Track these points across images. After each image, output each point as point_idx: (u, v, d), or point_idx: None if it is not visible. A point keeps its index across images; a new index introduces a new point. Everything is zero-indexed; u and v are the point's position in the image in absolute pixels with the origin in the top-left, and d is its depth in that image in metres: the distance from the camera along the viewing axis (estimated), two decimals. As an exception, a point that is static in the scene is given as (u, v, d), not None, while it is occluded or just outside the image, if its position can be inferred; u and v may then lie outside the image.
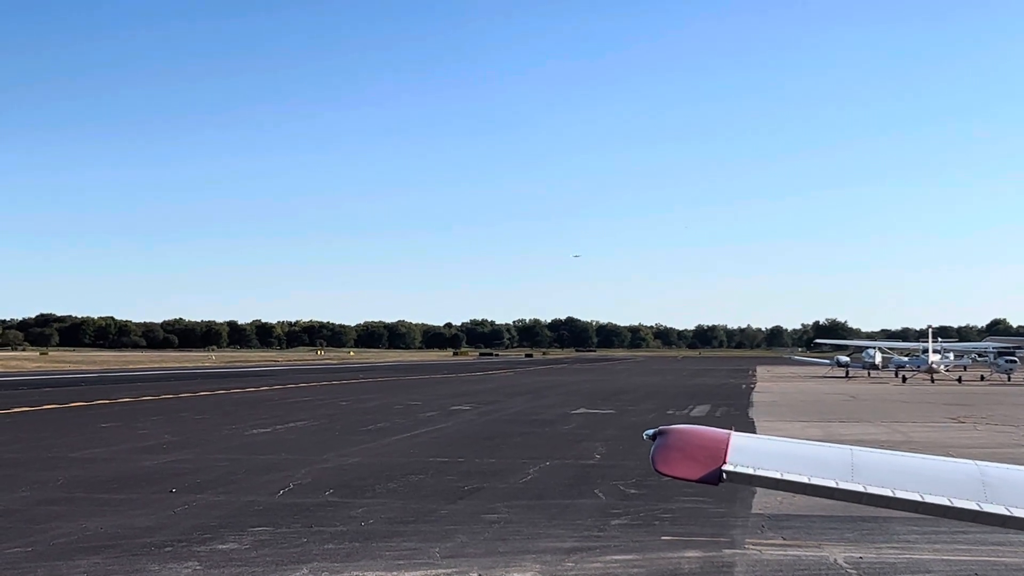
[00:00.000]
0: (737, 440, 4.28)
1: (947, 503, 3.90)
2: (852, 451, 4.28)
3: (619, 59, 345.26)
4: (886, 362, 74.07)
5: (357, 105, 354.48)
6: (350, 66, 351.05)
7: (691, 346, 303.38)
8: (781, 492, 5.99)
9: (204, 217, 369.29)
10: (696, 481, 4.11)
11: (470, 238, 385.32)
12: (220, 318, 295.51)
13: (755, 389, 52.55)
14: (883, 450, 4.50)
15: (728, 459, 4.13)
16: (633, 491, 14.47)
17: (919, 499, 3.92)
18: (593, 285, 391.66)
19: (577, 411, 32.66)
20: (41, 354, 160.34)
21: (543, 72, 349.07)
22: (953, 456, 4.61)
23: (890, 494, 3.95)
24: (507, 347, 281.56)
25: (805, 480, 4.05)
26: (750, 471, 4.08)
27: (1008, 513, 3.83)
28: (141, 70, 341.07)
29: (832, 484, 4.01)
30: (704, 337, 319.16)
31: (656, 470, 4.14)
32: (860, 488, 3.98)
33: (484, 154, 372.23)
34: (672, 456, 4.17)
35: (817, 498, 4.31)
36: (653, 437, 4.30)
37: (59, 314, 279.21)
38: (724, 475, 4.08)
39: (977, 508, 3.87)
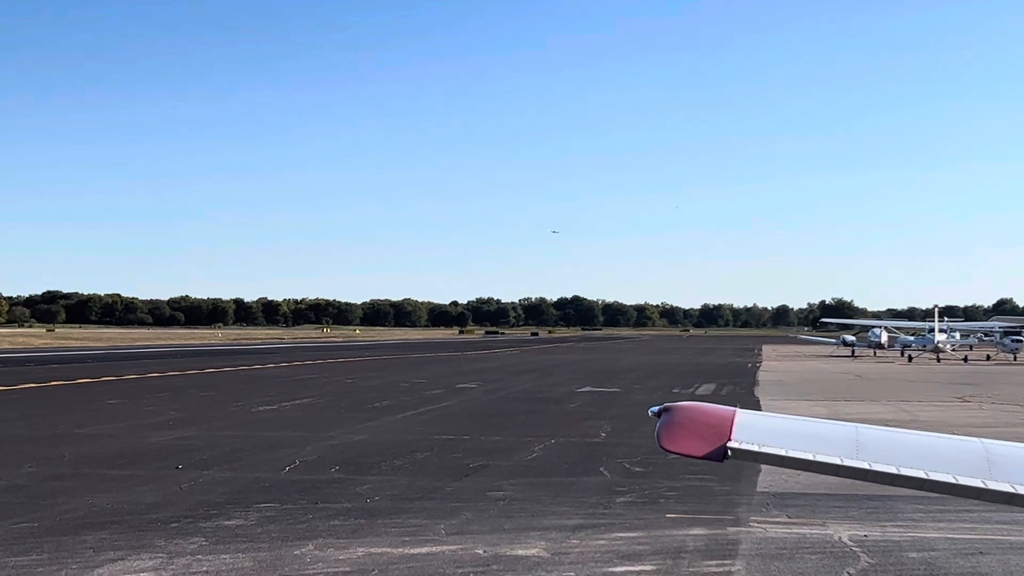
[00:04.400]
0: (742, 417, 4.26)
1: (952, 481, 3.89)
2: (857, 429, 4.26)
3: (624, 34, 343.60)
4: (892, 341, 73.87)
5: (363, 82, 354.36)
6: (348, 44, 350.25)
7: (697, 325, 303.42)
8: (786, 470, 5.97)
9: (210, 195, 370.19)
10: (701, 458, 4.10)
11: (476, 216, 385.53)
12: (226, 295, 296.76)
13: (761, 368, 52.56)
14: (888, 428, 4.49)
15: (733, 436, 4.12)
16: (638, 469, 14.48)
17: (924, 477, 3.90)
18: (599, 264, 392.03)
19: (582, 389, 32.68)
20: (48, 331, 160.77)
21: (548, 48, 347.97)
22: (958, 434, 4.57)
23: (895, 472, 3.93)
24: (513, 325, 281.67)
25: (810, 458, 4.03)
26: (755, 448, 4.07)
27: (1013, 490, 3.82)
28: (143, 44, 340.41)
29: (837, 462, 4.00)
30: (710, 316, 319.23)
31: (661, 447, 4.13)
32: (865, 466, 3.96)
33: (492, 132, 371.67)
34: (677, 433, 4.16)
35: (822, 476, 4.30)
36: (658, 414, 4.28)
37: (66, 291, 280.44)
38: (729, 452, 4.07)
39: (982, 486, 3.86)
